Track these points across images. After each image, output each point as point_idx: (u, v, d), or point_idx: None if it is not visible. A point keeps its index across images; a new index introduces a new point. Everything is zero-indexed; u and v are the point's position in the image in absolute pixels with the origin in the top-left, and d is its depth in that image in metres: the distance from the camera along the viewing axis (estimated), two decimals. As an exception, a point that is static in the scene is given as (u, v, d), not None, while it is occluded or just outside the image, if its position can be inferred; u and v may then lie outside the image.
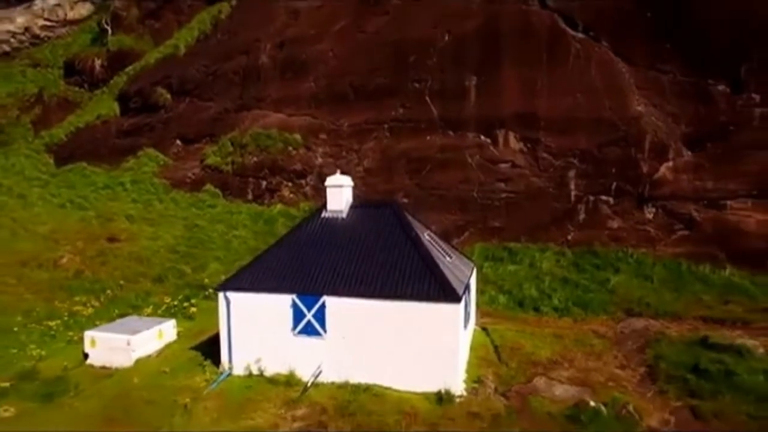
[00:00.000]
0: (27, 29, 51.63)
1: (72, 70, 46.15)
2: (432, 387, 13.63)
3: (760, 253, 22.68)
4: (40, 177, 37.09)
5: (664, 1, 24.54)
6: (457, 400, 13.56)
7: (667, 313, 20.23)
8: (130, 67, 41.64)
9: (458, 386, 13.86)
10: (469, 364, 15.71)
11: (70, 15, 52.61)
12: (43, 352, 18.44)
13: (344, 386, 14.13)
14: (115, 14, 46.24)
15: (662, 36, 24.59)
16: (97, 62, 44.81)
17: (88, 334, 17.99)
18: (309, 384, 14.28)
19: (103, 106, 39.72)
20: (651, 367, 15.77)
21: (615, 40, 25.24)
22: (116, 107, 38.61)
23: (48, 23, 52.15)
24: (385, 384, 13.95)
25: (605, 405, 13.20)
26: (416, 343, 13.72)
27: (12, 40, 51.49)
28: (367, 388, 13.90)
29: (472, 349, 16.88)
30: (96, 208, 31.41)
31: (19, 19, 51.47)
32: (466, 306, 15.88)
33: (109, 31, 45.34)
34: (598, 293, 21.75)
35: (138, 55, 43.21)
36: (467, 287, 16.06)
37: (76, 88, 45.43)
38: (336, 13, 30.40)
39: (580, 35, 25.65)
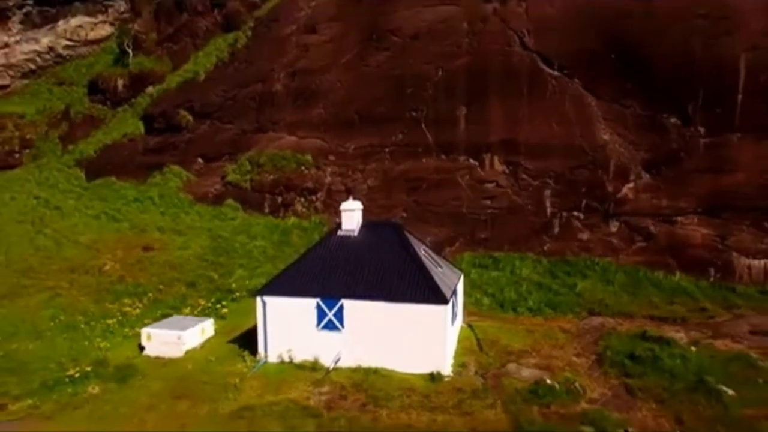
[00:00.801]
0: (51, 49, 55.26)
1: (96, 89, 49.86)
2: (426, 369, 17.64)
3: (704, 261, 26.91)
4: (73, 190, 40.88)
5: (627, 45, 28.62)
6: (446, 379, 17.58)
7: (622, 313, 24.32)
8: (152, 89, 45.40)
9: (447, 369, 17.88)
10: (456, 352, 19.74)
11: (91, 35, 56.26)
12: (108, 345, 22.37)
13: (358, 369, 18.11)
14: (135, 37, 50.04)
15: (625, 75, 28.69)
16: (120, 82, 48.57)
17: (145, 331, 21.87)
18: (330, 368, 18.27)
19: (129, 124, 43.51)
20: (600, 355, 19.81)
21: (585, 77, 29.32)
22: (141, 126, 42.41)
23: (70, 43, 55.75)
24: (390, 367, 17.94)
25: (559, 383, 17.22)
26: (414, 335, 17.72)
27: (38, 59, 55.14)
28: (376, 371, 17.90)
29: (459, 341, 20.91)
30: (129, 219, 35.27)
31: (44, 39, 55.09)
32: (453, 307, 19.90)
33: (131, 53, 49.12)
34: (566, 296, 25.81)
35: (158, 76, 47.04)
36: (454, 292, 20.07)
37: (100, 106, 49.11)
38: (342, 48, 34.39)
39: (556, 73, 29.73)
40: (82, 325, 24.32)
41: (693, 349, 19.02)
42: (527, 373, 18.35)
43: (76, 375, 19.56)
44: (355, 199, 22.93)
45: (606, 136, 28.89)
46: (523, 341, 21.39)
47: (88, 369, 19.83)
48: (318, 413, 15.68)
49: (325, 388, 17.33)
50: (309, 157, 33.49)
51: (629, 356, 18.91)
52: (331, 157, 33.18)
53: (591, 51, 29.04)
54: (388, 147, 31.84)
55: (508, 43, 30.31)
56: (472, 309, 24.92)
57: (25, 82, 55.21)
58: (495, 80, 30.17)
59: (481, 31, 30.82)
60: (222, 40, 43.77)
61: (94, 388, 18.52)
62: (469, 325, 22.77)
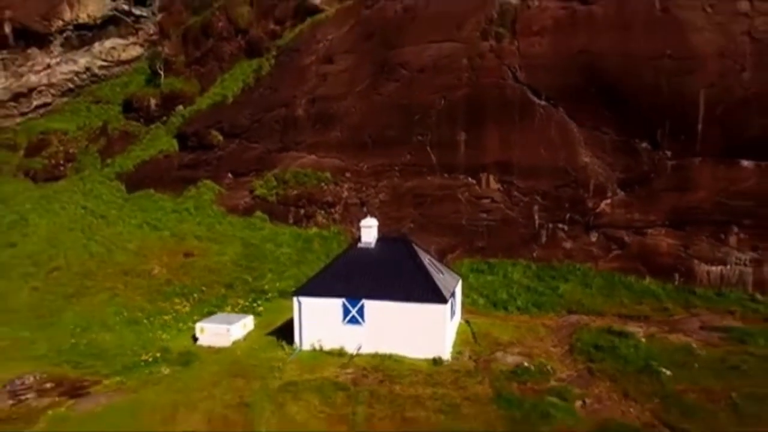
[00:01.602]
0: (88, 69, 60.27)
1: (130, 107, 54.79)
2: (430, 355, 22.25)
3: (669, 267, 31.32)
4: (115, 201, 45.77)
5: (605, 81, 33.02)
6: (445, 363, 22.18)
7: (595, 311, 28.80)
8: (182, 108, 50.15)
9: (446, 355, 22.48)
10: (455, 342, 24.32)
11: (123, 56, 61.25)
12: (168, 336, 27.12)
13: (376, 356, 22.72)
14: (165, 60, 54.94)
15: (603, 106, 33.11)
16: (152, 101, 53.45)
17: (198, 325, 26.59)
18: (354, 354, 22.91)
19: (163, 141, 48.34)
20: (572, 345, 24.34)
21: (569, 107, 33.75)
22: (175, 143, 47.19)
23: (105, 63, 60.76)
24: (401, 353, 22.56)
25: (534, 366, 21.77)
26: (420, 328, 22.33)
27: (76, 78, 60.15)
28: (390, 356, 22.51)
29: (458, 334, 25.49)
30: (169, 228, 40.07)
31: (81, 60, 60.11)
32: (452, 306, 24.48)
33: (162, 75, 54.02)
34: (550, 297, 30.32)
35: (187, 96, 51.85)
36: (453, 294, 24.66)
37: (135, 122, 54.00)
38: (356, 78, 39.00)
39: (543, 103, 34.20)
40: (144, 320, 29.13)
41: (643, 340, 23.52)
42: (511, 359, 22.91)
43: (149, 359, 24.32)
44: (369, 214, 27.58)
45: (586, 159, 33.35)
46: (510, 334, 25.96)
47: (157, 355, 24.56)
48: (346, 387, 20.32)
49: (350, 370, 21.97)
50: (328, 175, 38.14)
51: (594, 346, 23.47)
52: (348, 175, 37.83)
53: (574, 85, 33.47)
54: (397, 166, 36.45)
55: (502, 77, 34.83)
56: (469, 308, 29.50)
57: (65, 99, 60.24)
58: (491, 109, 34.69)
59: (479, 66, 35.35)
60: (247, 65, 48.59)
61: (165, 370, 23.25)
62: (467, 321, 27.35)
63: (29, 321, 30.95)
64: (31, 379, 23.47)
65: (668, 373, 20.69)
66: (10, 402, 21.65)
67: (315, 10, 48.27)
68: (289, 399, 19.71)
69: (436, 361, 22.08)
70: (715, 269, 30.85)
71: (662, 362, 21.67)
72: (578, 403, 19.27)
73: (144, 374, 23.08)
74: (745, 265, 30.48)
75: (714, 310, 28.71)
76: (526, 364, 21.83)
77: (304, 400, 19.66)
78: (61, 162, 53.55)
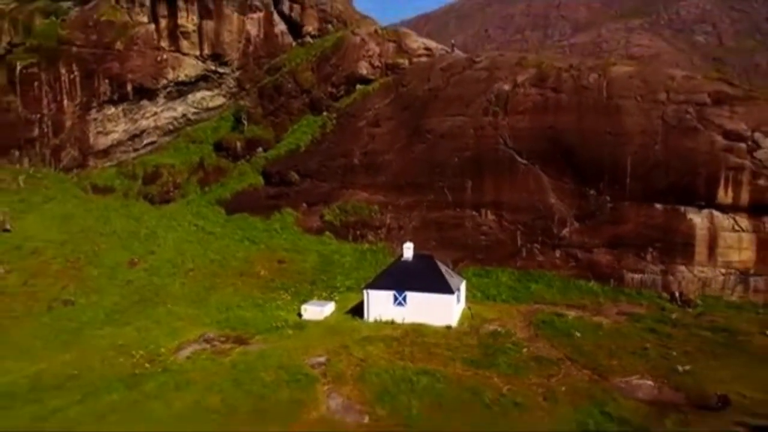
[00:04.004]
0: (184, 115, 78.21)
1: (221, 147, 72.28)
2: (444, 324, 38.52)
3: (607, 275, 46.86)
4: (218, 221, 63.10)
5: (566, 147, 48.78)
6: (453, 328, 38.44)
7: (552, 303, 44.52)
8: (263, 151, 67.30)
9: (454, 324, 38.78)
10: (459, 318, 40.52)
11: (210, 104, 79.01)
12: (283, 314, 43.92)
13: (413, 324, 38.97)
14: (247, 111, 72.36)
15: (564, 164, 48.87)
16: (238, 144, 70.79)
17: (303, 306, 43.19)
18: (401, 322, 39.35)
19: (250, 177, 65.55)
20: (530, 322, 40.24)
21: (541, 165, 49.59)
22: (260, 179, 64.36)
23: (196, 110, 78.65)
24: (428, 323, 38.79)
25: (504, 331, 37.82)
26: (439, 308, 38.62)
27: (175, 122, 78.17)
28: (421, 324, 38.75)
29: (462, 314, 41.67)
30: (264, 242, 57.13)
31: (179, 108, 78.08)
32: (458, 297, 40.75)
33: (245, 124, 71.46)
34: (524, 293, 46.18)
35: (265, 141, 68.89)
36: (459, 289, 40.96)
37: (224, 159, 71.50)
38: (396, 139, 55.48)
39: (524, 162, 50.12)
40: (264, 304, 46.05)
41: (571, 319, 39.44)
42: (491, 327, 39.02)
43: (277, 326, 41.07)
44: (409, 240, 43.95)
45: (553, 200, 49.16)
46: (494, 315, 42.00)
47: (280, 324, 41.30)
48: (398, 339, 36.72)
49: (398, 331, 38.38)
50: (376, 207, 54.69)
51: (542, 322, 39.44)
52: (389, 208, 54.33)
53: (545, 150, 49.34)
54: (424, 203, 52.80)
55: (497, 143, 50.90)
56: (470, 299, 45.60)
57: (167, 139, 78.32)
58: (488, 165, 50.82)
59: (481, 134, 51.49)
60: (312, 119, 65.59)
61: (289, 331, 39.93)
62: (468, 307, 43.49)
63: (187, 303, 48.17)
64: (212, 335, 40.55)
65: (578, 335, 36.63)
66: (209, 345, 38.71)
67: (363, 79, 65.27)
68: (367, 344, 36.18)
69: (448, 328, 38.35)
70: (637, 276, 46.35)
71: (578, 330, 37.58)
72: (525, 349, 35.30)
73: (276, 334, 39.81)
74: (657, 274, 45.93)
75: (632, 303, 44.33)
76: (499, 329, 37.99)
77: (374, 345, 36.09)
78: (171, 189, 71.39)
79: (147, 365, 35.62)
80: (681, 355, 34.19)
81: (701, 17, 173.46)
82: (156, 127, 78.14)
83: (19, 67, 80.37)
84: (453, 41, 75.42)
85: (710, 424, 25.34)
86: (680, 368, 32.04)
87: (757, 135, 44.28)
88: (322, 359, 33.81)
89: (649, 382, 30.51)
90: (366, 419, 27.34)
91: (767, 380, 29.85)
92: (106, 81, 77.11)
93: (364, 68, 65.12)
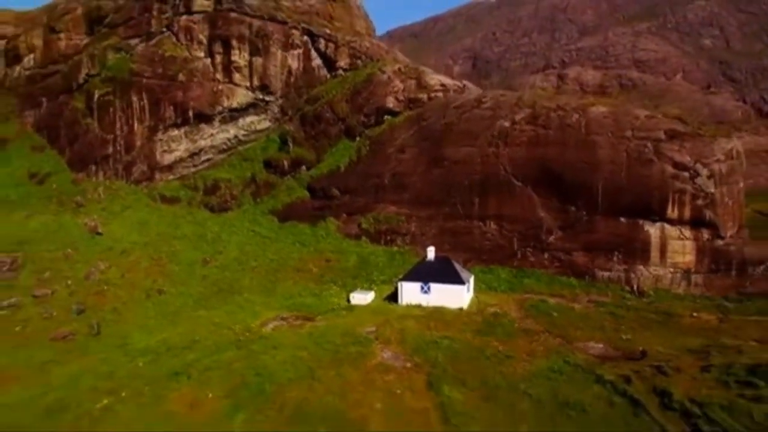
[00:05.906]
0: (235, 136, 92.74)
1: (269, 165, 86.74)
2: (458, 306, 52.65)
3: (583, 272, 60.79)
4: (272, 228, 77.54)
5: (552, 173, 62.70)
6: (464, 310, 52.56)
7: (540, 292, 58.47)
8: (306, 170, 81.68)
9: (465, 307, 52.91)
10: (469, 303, 54.60)
11: (258, 127, 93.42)
12: (336, 300, 58.15)
13: (435, 307, 53.10)
14: (292, 135, 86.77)
15: (551, 187, 62.80)
16: (285, 162, 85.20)
17: (351, 294, 57.43)
18: (426, 306, 53.53)
19: (297, 191, 79.94)
20: (522, 306, 54.27)
21: (533, 186, 63.57)
22: (306, 193, 78.71)
23: (245, 132, 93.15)
24: (446, 306, 52.92)
25: (502, 312, 51.87)
26: (454, 295, 52.75)
27: (228, 142, 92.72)
28: (441, 307, 52.84)
29: (471, 300, 55.76)
30: (312, 245, 71.42)
31: (231, 130, 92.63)
32: (468, 287, 54.89)
33: (291, 146, 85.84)
34: (518, 285, 60.22)
35: (307, 161, 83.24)
36: (469, 281, 55.09)
37: (273, 175, 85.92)
38: (418, 164, 69.58)
39: (520, 184, 64.13)
40: (319, 294, 60.31)
41: (552, 304, 53.46)
42: (492, 310, 53.07)
43: (333, 308, 55.30)
44: (430, 245, 58.07)
45: (542, 214, 63.10)
46: (495, 301, 56.03)
47: (335, 307, 55.54)
48: (425, 317, 50.83)
49: (425, 312, 52.51)
50: (403, 218, 68.83)
51: (531, 306, 53.47)
52: (413, 218, 68.44)
53: (536, 175, 63.30)
54: (441, 215, 66.91)
55: (499, 169, 64.92)
56: (477, 290, 59.63)
57: (222, 156, 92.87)
58: (491, 186, 64.88)
59: (486, 161, 65.51)
60: (348, 143, 79.82)
61: (343, 312, 54.19)
62: (476, 296, 57.55)
63: (259, 293, 62.54)
64: (286, 315, 54.87)
65: (555, 314, 50.66)
66: (285, 322, 52.98)
67: (389, 111, 79.45)
68: (403, 320, 50.26)
69: (461, 309, 52.47)
70: (606, 273, 60.20)
71: (556, 312, 51.57)
72: (516, 324, 49.31)
73: (334, 314, 54.00)
74: (621, 272, 59.76)
75: (600, 294, 58.21)
76: (498, 311, 52.04)
77: (408, 320, 50.16)
78: (228, 199, 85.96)
79: (247, 334, 49.97)
80: (627, 329, 48.12)
81: (709, 20, 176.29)
82: (212, 146, 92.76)
83: (96, 95, 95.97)
84: (464, 83, 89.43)
85: (631, 365, 39.26)
86: (624, 337, 45.99)
87: (698, 166, 58.06)
88: (372, 329, 47.98)
89: (600, 345, 44.44)
90: (408, 364, 41.47)
91: (680, 343, 43.71)
92: (171, 107, 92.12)
93: (390, 102, 79.29)
